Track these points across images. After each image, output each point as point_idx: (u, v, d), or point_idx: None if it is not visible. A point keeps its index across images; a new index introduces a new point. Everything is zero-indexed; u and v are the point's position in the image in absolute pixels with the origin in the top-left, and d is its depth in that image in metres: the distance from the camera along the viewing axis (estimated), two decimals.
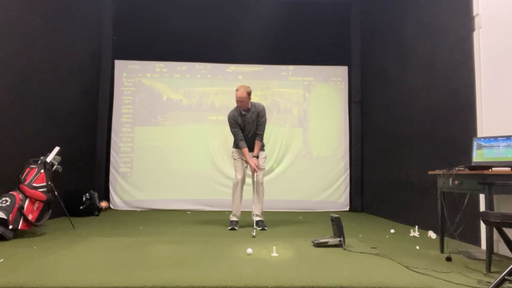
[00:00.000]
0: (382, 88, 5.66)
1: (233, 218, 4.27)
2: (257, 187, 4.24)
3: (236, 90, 4.14)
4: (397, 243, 3.47)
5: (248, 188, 4.44)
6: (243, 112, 4.20)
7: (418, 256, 2.92)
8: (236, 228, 4.15)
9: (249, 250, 2.77)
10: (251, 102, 4.21)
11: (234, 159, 4.34)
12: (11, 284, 1.98)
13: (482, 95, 3.32)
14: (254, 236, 3.60)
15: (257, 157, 4.21)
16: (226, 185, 6.16)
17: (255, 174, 4.21)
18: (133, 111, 6.38)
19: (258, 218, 4.25)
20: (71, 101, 5.28)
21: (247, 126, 4.23)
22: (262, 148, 4.33)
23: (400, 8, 5.07)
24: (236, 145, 4.30)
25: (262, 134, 4.26)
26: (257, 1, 6.47)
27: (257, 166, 4.18)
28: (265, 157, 4.42)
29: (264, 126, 4.27)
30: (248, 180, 4.39)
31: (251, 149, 4.25)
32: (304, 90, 6.58)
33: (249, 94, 4.13)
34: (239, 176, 4.25)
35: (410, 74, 4.76)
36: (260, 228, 4.16)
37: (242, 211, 4.33)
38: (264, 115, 4.26)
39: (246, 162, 4.24)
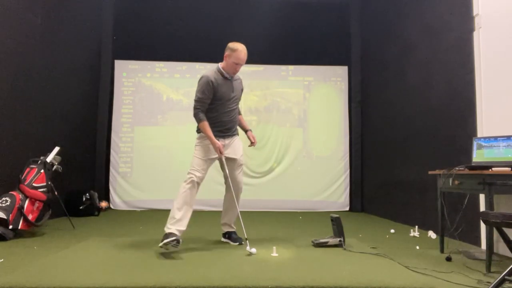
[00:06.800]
0: (382, 88, 5.66)
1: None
2: (237, 188, 3.25)
3: (237, 49, 2.97)
4: (397, 243, 3.47)
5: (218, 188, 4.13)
6: (229, 77, 3.05)
7: (418, 256, 2.92)
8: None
9: (253, 250, 2.75)
10: None
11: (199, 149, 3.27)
12: (11, 284, 1.98)
13: (482, 95, 3.32)
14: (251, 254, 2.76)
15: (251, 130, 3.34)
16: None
17: (236, 172, 3.21)
18: (133, 111, 6.37)
19: (232, 229, 3.30)
20: (71, 101, 5.27)
21: (234, 95, 3.09)
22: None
23: (400, 8, 5.08)
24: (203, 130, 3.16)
25: None
26: (257, 1, 6.47)
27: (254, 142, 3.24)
28: None
29: None
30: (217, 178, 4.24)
31: (233, 128, 3.20)
32: (304, 90, 6.58)
33: None
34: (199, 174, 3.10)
35: (410, 74, 4.76)
36: (237, 243, 3.15)
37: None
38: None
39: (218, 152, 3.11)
